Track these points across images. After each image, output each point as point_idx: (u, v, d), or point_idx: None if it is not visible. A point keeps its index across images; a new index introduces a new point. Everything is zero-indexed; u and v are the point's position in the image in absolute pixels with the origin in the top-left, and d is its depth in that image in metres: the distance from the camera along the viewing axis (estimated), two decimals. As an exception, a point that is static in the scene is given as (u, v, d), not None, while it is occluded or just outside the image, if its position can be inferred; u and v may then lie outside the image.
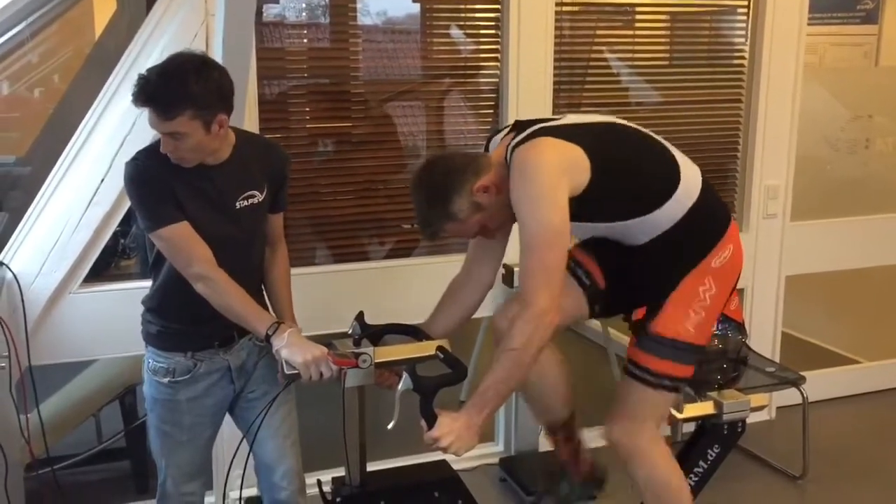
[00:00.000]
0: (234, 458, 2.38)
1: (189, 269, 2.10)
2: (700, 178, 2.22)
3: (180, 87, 1.97)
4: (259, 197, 2.22)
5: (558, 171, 2.01)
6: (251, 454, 2.35)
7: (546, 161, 2.01)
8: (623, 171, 2.12)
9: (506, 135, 2.21)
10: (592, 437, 2.55)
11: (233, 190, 2.17)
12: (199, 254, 2.09)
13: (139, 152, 2.16)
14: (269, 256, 2.38)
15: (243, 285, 2.16)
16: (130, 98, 2.00)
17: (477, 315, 2.43)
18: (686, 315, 2.19)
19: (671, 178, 2.16)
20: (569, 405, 2.44)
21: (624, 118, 2.35)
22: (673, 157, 2.21)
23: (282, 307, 2.34)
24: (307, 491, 2.43)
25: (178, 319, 2.23)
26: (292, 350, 2.06)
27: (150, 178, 2.09)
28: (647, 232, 2.17)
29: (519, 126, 2.18)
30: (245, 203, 2.19)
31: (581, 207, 2.03)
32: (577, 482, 2.48)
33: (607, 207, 2.14)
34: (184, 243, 2.09)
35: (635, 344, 2.27)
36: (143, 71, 2.01)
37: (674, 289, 2.20)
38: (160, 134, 2.04)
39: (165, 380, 2.24)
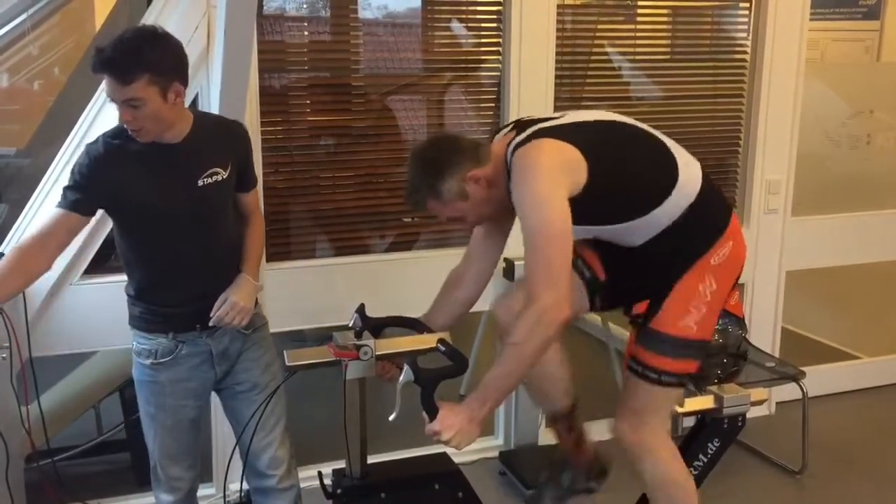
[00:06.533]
0: (234, 450, 2.39)
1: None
2: (700, 176, 2.20)
3: (136, 53, 2.02)
4: (223, 174, 2.24)
5: (558, 171, 2.02)
6: (238, 443, 2.37)
7: (545, 162, 2.02)
8: (618, 171, 2.12)
9: (507, 132, 2.21)
10: (594, 430, 2.55)
11: (195, 168, 2.20)
12: (37, 238, 2.16)
13: (101, 136, 2.19)
14: (245, 228, 2.42)
15: (208, 262, 2.25)
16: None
17: (477, 308, 2.44)
18: (686, 312, 2.19)
19: (668, 179, 2.15)
20: (569, 395, 2.44)
21: (625, 113, 2.34)
22: (672, 155, 2.19)
23: (243, 258, 2.37)
24: (309, 483, 2.43)
25: (152, 301, 2.27)
26: None
27: (88, 167, 2.13)
28: (643, 234, 2.17)
29: (520, 125, 2.18)
30: (209, 181, 2.22)
31: (577, 209, 2.03)
32: (578, 473, 2.47)
33: (603, 209, 2.14)
34: (46, 226, 2.16)
35: (636, 340, 2.27)
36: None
37: (672, 288, 2.20)
38: (118, 105, 2.07)
39: (148, 361, 2.27)
